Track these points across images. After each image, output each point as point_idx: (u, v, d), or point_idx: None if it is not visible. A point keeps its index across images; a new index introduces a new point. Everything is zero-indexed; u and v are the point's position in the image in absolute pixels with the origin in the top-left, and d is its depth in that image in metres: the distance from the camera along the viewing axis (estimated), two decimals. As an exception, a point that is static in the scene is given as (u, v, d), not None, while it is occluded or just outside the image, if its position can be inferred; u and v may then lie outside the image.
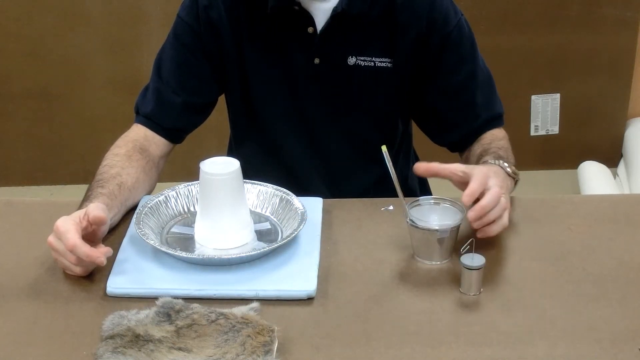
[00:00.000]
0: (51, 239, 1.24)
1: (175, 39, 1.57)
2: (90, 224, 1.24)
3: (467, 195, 1.24)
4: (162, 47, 1.60)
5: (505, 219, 1.29)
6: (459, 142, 1.58)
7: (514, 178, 1.41)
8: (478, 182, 1.25)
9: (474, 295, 1.22)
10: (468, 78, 1.54)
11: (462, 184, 1.28)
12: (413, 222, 1.27)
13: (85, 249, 1.20)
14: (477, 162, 1.44)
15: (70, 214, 1.27)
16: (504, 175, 1.37)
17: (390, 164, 1.27)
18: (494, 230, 1.28)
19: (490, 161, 1.40)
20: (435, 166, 1.29)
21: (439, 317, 1.17)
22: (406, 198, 1.29)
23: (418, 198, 1.31)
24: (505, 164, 1.39)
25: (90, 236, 1.26)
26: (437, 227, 1.26)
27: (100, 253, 1.21)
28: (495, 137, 1.53)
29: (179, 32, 1.57)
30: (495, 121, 1.57)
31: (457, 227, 1.27)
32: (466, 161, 1.54)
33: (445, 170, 1.29)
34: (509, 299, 1.21)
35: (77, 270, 1.24)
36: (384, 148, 1.27)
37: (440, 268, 1.28)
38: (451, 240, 1.28)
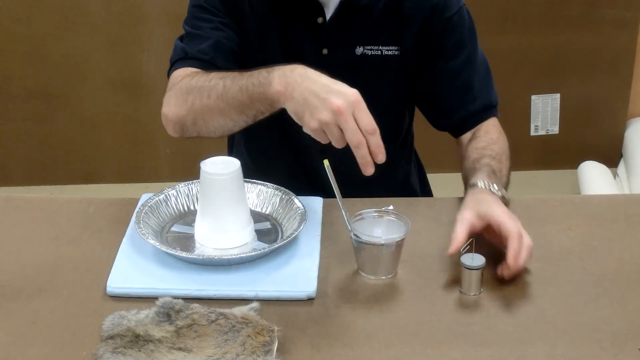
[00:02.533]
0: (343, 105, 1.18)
1: (201, 10, 1.51)
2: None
3: (513, 259, 1.21)
4: (184, 24, 1.54)
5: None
6: (457, 126, 1.59)
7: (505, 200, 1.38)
8: (516, 242, 1.22)
9: (474, 295, 1.22)
10: (466, 63, 1.56)
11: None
12: (357, 236, 1.24)
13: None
14: (471, 172, 1.42)
15: (70, 211, 1.26)
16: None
17: (333, 178, 1.25)
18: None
19: (480, 183, 1.35)
20: (459, 237, 1.24)
21: (439, 317, 1.17)
22: (349, 212, 1.27)
23: (361, 212, 1.29)
24: (496, 188, 1.35)
25: None
26: (382, 242, 1.23)
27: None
28: (490, 140, 1.51)
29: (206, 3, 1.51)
30: (491, 109, 1.58)
31: (402, 241, 1.25)
32: (462, 159, 1.52)
33: (465, 233, 1.25)
34: (509, 299, 1.21)
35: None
36: (325, 162, 1.25)
37: (440, 269, 1.28)
38: (396, 255, 1.25)
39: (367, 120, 1.19)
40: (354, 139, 1.18)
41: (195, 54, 1.47)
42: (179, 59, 1.48)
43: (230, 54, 1.49)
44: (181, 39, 1.53)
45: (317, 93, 1.20)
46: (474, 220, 1.26)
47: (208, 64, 1.46)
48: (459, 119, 1.57)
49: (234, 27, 1.51)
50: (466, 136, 1.57)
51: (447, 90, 1.57)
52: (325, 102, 1.18)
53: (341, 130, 1.19)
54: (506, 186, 1.43)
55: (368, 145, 1.19)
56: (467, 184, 1.39)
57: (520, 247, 1.22)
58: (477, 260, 1.21)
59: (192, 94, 1.35)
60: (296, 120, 1.24)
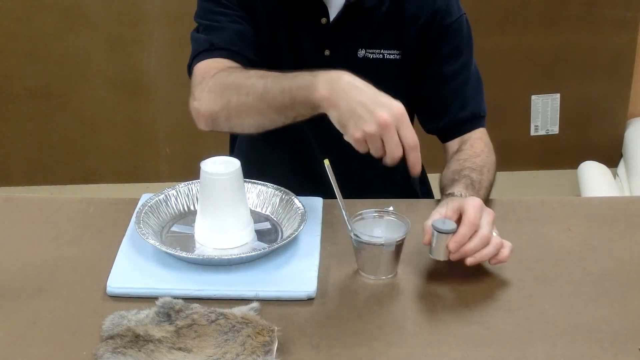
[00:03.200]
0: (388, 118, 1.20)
1: (216, 3, 1.49)
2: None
3: (453, 242, 1.21)
4: (197, 18, 1.51)
5: (502, 254, 1.23)
6: (444, 131, 1.59)
7: None
8: (465, 228, 1.21)
9: (442, 260, 1.21)
10: (460, 70, 1.57)
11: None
12: (357, 236, 1.24)
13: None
14: (449, 182, 1.40)
15: (70, 211, 1.26)
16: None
17: (334, 178, 1.26)
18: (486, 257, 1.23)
19: (457, 194, 1.34)
20: (427, 225, 1.25)
21: (439, 317, 1.17)
22: (349, 212, 1.27)
23: (361, 212, 1.29)
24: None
25: None
26: (382, 242, 1.23)
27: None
28: (474, 153, 1.50)
29: None
30: (479, 120, 1.58)
31: (402, 241, 1.25)
32: (446, 166, 1.51)
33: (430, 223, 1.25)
34: (509, 299, 1.21)
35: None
36: (326, 162, 1.25)
37: (440, 268, 1.28)
38: (396, 255, 1.25)
39: (410, 135, 1.21)
40: (395, 153, 1.21)
41: (223, 44, 1.44)
42: (204, 50, 1.45)
43: (255, 45, 1.48)
44: (197, 31, 1.51)
45: (365, 104, 1.21)
46: (449, 213, 1.25)
47: (237, 55, 1.44)
48: (447, 124, 1.57)
49: (249, 20, 1.50)
50: (453, 145, 1.57)
51: (438, 94, 1.58)
52: (373, 114, 1.20)
53: (382, 141, 1.21)
54: (486, 198, 1.42)
55: (407, 158, 1.22)
56: (444, 194, 1.38)
57: (467, 233, 1.20)
58: (448, 224, 1.21)
59: (229, 90, 1.34)
60: (338, 127, 1.25)
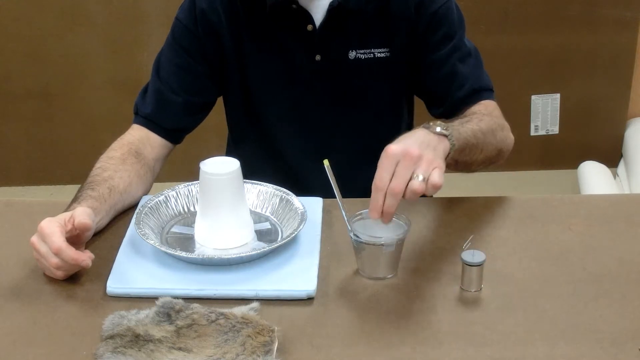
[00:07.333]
0: (35, 239, 1.23)
1: (174, 42, 1.58)
2: (75, 228, 1.24)
3: (372, 210, 1.19)
4: (162, 49, 1.60)
5: (416, 182, 1.17)
6: (447, 112, 1.57)
7: (445, 135, 1.25)
8: (376, 194, 1.19)
9: (475, 291, 1.22)
10: (452, 51, 1.55)
11: None
12: (357, 236, 1.24)
13: (70, 252, 1.19)
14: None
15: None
16: (424, 134, 1.23)
17: (333, 178, 1.26)
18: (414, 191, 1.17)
19: (424, 124, 1.27)
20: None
21: (439, 317, 1.17)
22: (349, 212, 1.26)
23: (361, 212, 1.28)
24: (437, 127, 1.24)
25: (74, 239, 1.25)
26: (382, 242, 1.23)
27: (86, 256, 1.21)
28: (478, 110, 1.47)
29: (177, 34, 1.57)
30: (481, 93, 1.55)
31: (402, 241, 1.25)
32: None
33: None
34: (509, 298, 1.21)
35: (59, 274, 1.23)
36: (326, 162, 1.25)
37: (440, 268, 1.28)
38: (396, 255, 1.25)
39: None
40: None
41: (143, 111, 1.57)
42: (135, 113, 1.59)
43: (175, 108, 1.56)
44: (158, 64, 1.59)
45: None
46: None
47: (152, 124, 1.56)
48: (449, 106, 1.56)
49: (207, 58, 1.55)
50: None
51: (435, 81, 1.57)
52: None
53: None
54: (477, 139, 1.37)
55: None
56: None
57: (378, 198, 1.18)
58: (477, 256, 1.21)
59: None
60: None
